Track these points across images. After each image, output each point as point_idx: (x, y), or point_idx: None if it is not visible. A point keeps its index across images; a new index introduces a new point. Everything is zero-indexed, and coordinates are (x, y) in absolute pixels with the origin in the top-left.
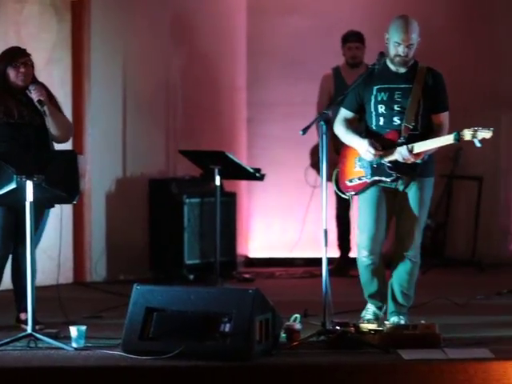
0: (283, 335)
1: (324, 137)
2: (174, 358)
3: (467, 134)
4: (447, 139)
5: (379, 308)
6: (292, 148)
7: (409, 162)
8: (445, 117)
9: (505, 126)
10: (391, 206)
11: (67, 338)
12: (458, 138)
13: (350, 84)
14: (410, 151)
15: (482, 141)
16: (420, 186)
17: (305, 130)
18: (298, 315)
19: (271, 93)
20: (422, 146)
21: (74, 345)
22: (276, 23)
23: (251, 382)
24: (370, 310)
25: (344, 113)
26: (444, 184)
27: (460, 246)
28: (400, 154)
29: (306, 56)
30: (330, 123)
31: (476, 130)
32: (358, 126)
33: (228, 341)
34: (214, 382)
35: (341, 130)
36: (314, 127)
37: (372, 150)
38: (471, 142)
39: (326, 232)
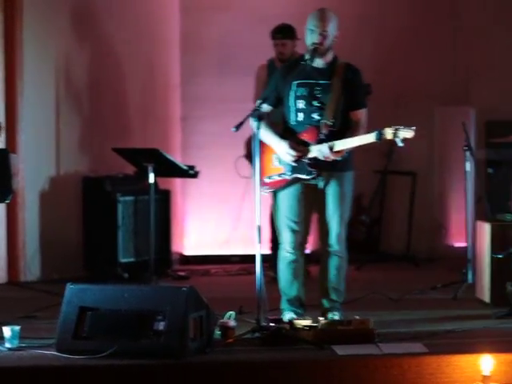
0: (217, 332)
1: (257, 133)
2: (108, 356)
3: (388, 133)
4: (369, 138)
5: (297, 314)
6: (226, 145)
7: (329, 159)
8: (363, 114)
9: (438, 121)
10: (312, 201)
11: (0, 339)
12: (380, 137)
13: None
14: (331, 149)
15: (416, 135)
16: (340, 182)
17: (238, 127)
18: (232, 312)
19: (205, 89)
20: (342, 144)
21: (8, 345)
22: (209, 20)
23: (186, 380)
24: (286, 316)
25: (263, 107)
26: (378, 179)
27: (395, 241)
28: (320, 151)
29: (239, 52)
30: (263, 119)
31: (397, 129)
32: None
33: (162, 339)
34: (149, 381)
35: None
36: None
37: (292, 152)
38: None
39: (259, 228)
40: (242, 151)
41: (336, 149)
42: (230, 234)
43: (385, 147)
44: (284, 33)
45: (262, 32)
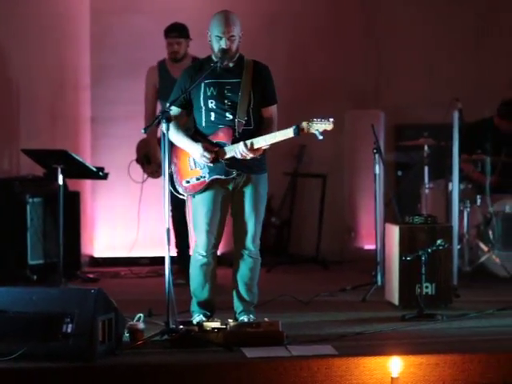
0: (126, 335)
1: (166, 135)
2: (17, 359)
3: (307, 127)
4: (287, 133)
5: (206, 317)
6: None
7: (247, 157)
8: (274, 110)
9: (348, 124)
10: (228, 203)
11: None
12: (298, 131)
13: (176, 77)
14: (249, 147)
15: (326, 138)
16: (256, 183)
17: (146, 129)
18: (141, 315)
19: (115, 91)
20: (261, 141)
21: None
22: (120, 21)
23: (94, 382)
24: (196, 319)
25: (172, 109)
26: (288, 182)
27: (304, 243)
28: (238, 150)
29: (148, 54)
30: (171, 121)
31: (316, 122)
32: (187, 121)
33: (70, 341)
34: (57, 383)
35: (170, 129)
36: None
37: (208, 155)
38: (314, 139)
39: (168, 231)
40: None
41: (256, 146)
42: (140, 236)
43: (295, 149)
44: (179, 31)
45: None
